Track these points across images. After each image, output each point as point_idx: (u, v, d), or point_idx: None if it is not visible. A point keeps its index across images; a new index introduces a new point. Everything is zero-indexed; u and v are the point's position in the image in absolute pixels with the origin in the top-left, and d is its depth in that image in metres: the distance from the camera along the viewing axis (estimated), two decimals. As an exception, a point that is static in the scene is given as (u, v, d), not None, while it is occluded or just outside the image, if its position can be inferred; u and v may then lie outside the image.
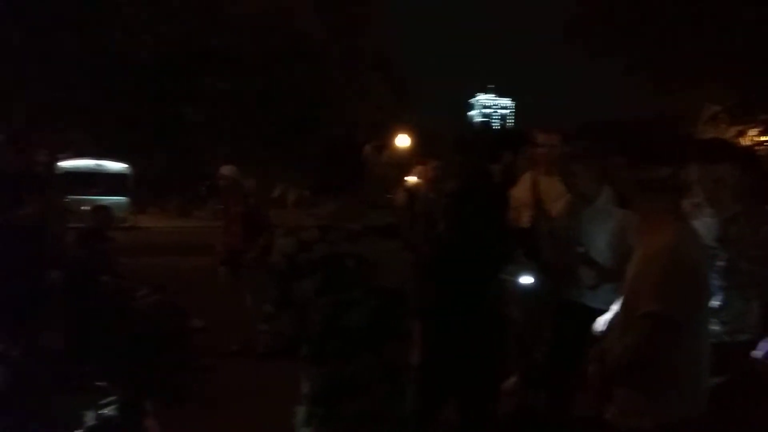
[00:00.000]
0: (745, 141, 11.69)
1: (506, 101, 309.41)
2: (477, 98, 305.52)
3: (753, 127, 12.11)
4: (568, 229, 3.50)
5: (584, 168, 3.41)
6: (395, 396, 2.02)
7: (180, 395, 4.21)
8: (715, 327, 2.57)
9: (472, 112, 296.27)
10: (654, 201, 2.11)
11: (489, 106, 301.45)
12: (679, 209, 2.19)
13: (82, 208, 9.62)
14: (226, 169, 6.01)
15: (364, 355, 1.96)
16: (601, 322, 2.82)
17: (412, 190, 5.26)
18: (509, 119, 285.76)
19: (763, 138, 12.15)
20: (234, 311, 5.77)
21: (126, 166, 21.46)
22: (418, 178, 5.45)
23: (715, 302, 2.60)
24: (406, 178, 5.83)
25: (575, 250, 3.35)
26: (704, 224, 2.69)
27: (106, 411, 2.43)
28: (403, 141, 23.65)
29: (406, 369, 2.08)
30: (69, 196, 10.13)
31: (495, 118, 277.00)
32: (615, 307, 2.46)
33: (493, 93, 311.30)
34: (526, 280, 3.73)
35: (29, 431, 2.30)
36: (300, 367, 2.02)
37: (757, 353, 2.71)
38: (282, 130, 22.87)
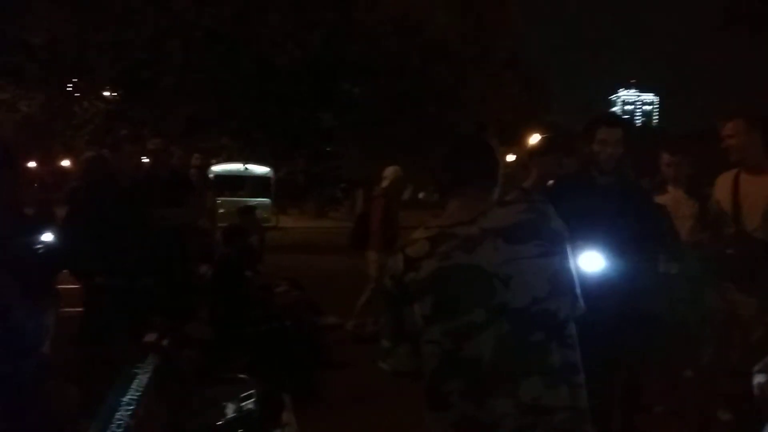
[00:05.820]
0: None
1: (650, 96, 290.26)
2: (618, 94, 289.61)
3: None
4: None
5: None
6: None
7: (315, 391, 4.28)
8: None
9: (613, 109, 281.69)
10: None
11: (631, 102, 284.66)
12: None
13: (231, 209, 10.31)
14: (389, 170, 6.35)
15: (497, 395, 1.56)
16: None
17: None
18: (654, 116, 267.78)
19: None
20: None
21: (269, 169, 22.77)
22: None
23: None
24: None
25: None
26: None
27: (246, 403, 2.48)
28: (535, 140, 22.97)
29: (549, 413, 1.57)
30: (219, 198, 10.87)
31: (637, 115, 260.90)
32: None
33: (635, 88, 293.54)
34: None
35: (173, 420, 2.40)
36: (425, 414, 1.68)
37: None
38: (415, 133, 23.09)
